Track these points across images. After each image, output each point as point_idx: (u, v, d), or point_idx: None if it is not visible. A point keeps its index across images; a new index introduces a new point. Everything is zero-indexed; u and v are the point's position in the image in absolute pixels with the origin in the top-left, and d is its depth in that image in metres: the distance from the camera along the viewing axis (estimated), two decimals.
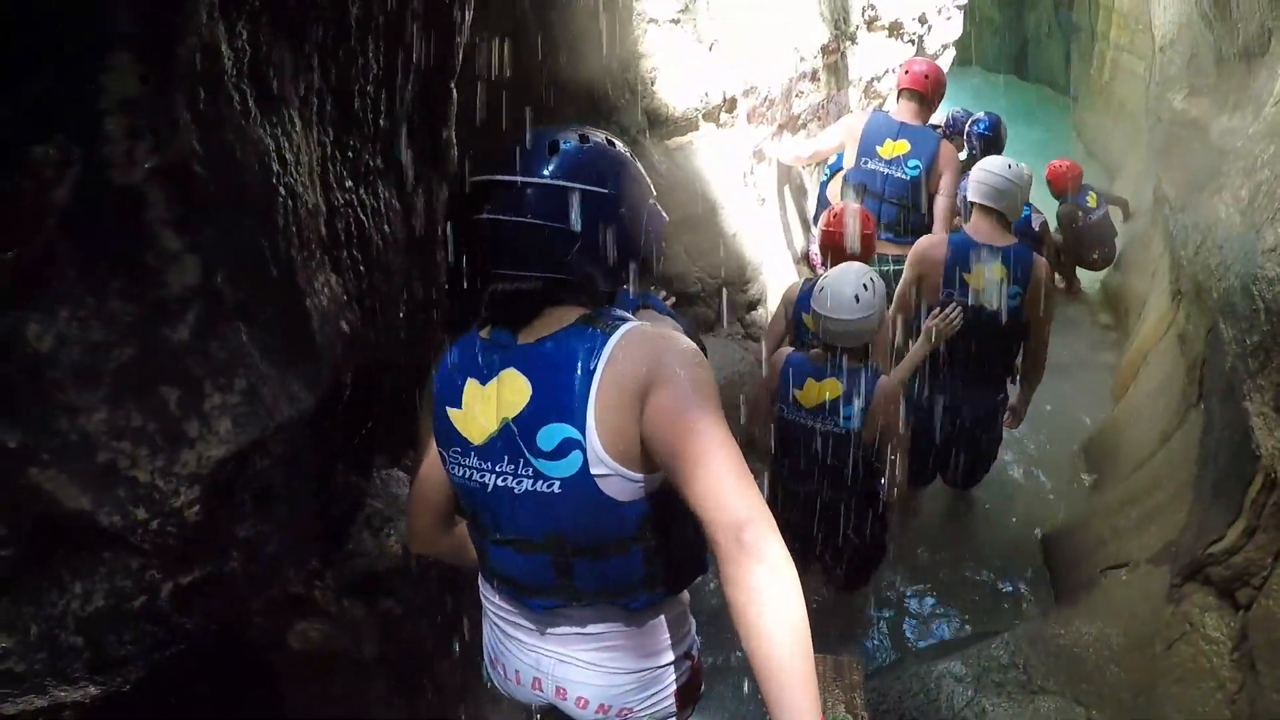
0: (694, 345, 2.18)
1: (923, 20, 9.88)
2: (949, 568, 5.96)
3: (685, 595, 2.61)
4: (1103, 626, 4.53)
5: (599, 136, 2.26)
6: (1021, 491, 6.82)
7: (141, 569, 2.06)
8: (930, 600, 5.73)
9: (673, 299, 4.82)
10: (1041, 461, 7.17)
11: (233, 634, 2.70)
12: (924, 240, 5.53)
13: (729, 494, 1.98)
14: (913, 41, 9.77)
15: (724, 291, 6.72)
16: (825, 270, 4.74)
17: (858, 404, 4.28)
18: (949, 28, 10.40)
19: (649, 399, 2.10)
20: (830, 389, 4.32)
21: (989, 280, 5.13)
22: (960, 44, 11.09)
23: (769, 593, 1.88)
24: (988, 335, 5.22)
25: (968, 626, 5.52)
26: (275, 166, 2.14)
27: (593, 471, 2.18)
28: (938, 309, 4.98)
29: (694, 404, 2.07)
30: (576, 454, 2.18)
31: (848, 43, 8.84)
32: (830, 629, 5.06)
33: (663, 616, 2.55)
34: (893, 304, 5.24)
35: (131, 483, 1.93)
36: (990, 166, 5.28)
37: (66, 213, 1.73)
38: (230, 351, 2.01)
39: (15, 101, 1.61)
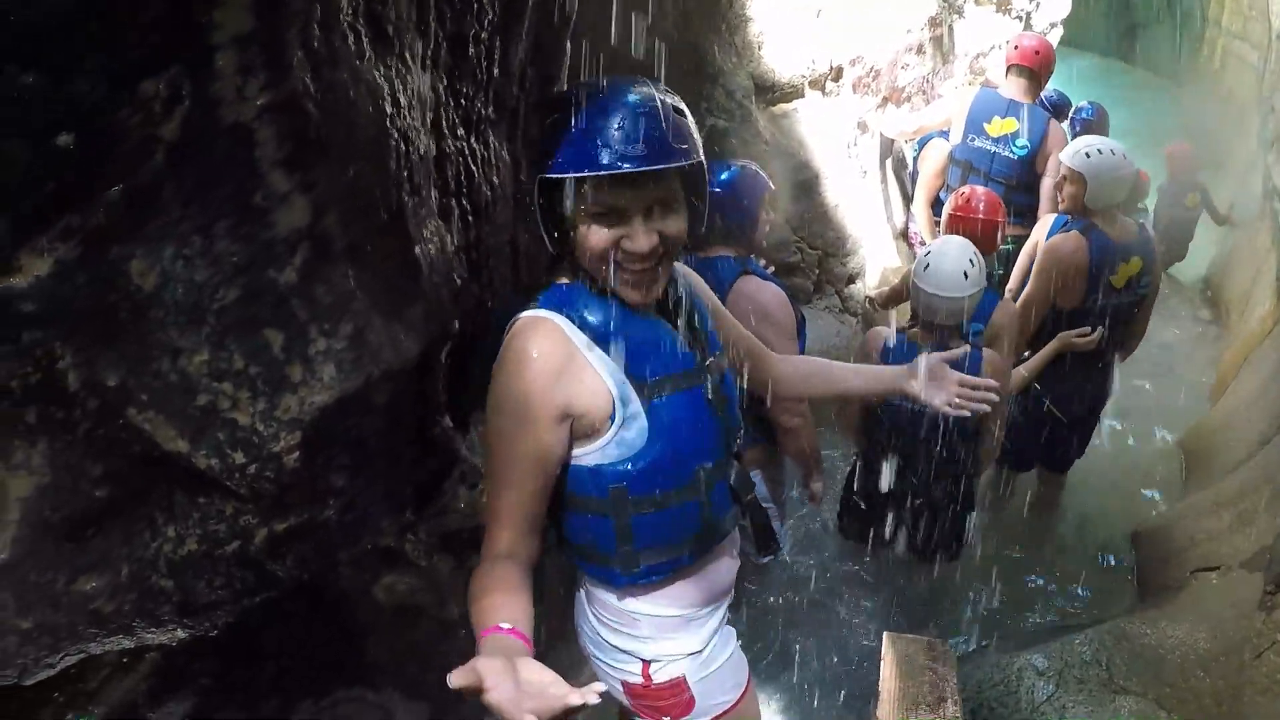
0: (517, 357, 2.17)
1: None
2: (1036, 559, 5.85)
3: (631, 601, 2.56)
4: (1189, 629, 4.39)
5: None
6: (1113, 486, 6.67)
7: (236, 514, 2.06)
8: (1016, 590, 5.62)
9: (772, 268, 4.73)
10: (1135, 457, 7.01)
11: (317, 583, 2.70)
12: (1062, 244, 5.01)
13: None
14: (1020, 18, 9.58)
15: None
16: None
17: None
18: (1057, 6, 10.18)
19: None
20: None
21: (1130, 277, 4.96)
22: (1067, 24, 10.83)
23: None
24: (1117, 327, 5.07)
25: (1052, 619, 5.42)
26: (388, 109, 2.09)
27: None
28: (1085, 330, 4.86)
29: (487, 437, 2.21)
30: None
31: (955, 16, 8.70)
32: (915, 610, 4.99)
33: (584, 584, 2.65)
34: (1025, 302, 5.07)
35: (231, 426, 1.92)
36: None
37: (175, 149, 1.68)
38: (337, 296, 1.98)
39: (126, 35, 1.57)
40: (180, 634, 2.20)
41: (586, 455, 2.26)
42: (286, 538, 2.15)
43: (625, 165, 2.01)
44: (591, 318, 2.21)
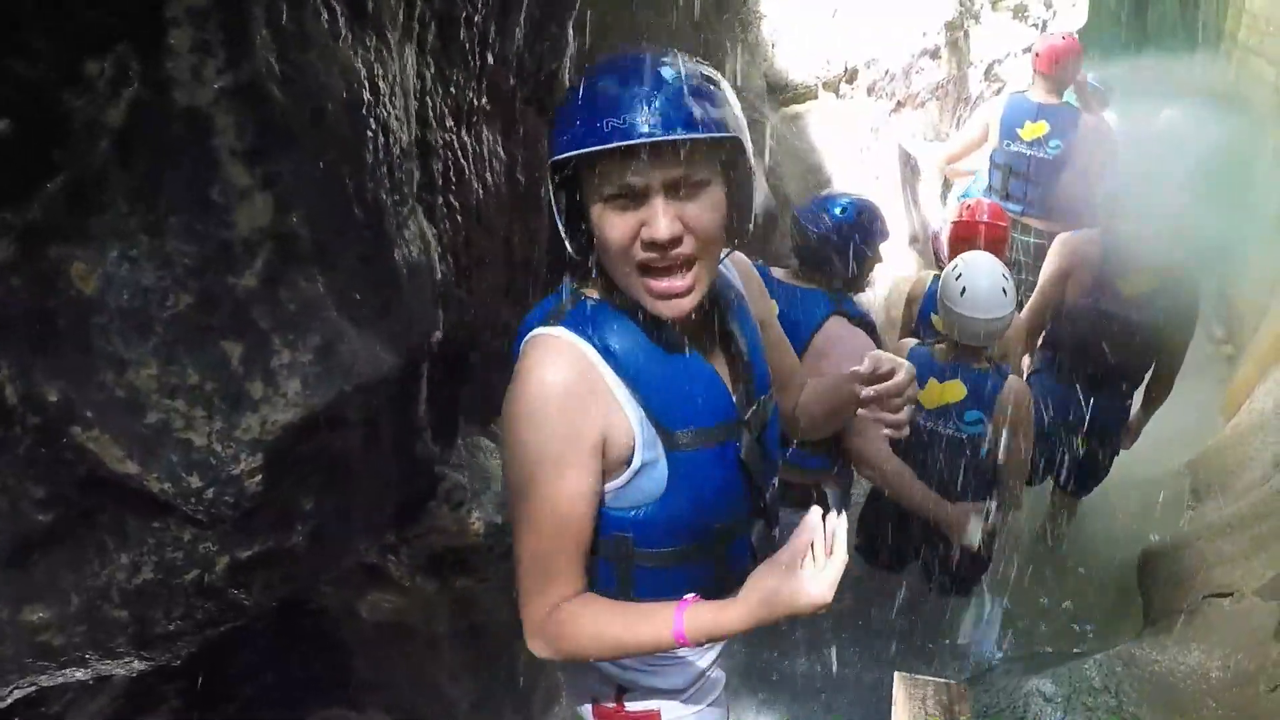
0: (535, 383, 1.86)
1: (1048, 4, 9.79)
2: (1044, 581, 5.76)
3: None
4: (1201, 657, 4.28)
5: None
6: (1122, 507, 6.59)
7: (194, 541, 1.96)
8: (1023, 613, 5.54)
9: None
10: (1144, 478, 6.89)
11: (298, 602, 2.64)
12: (1078, 236, 5.06)
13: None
14: (1037, 25, 9.67)
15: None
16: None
17: (983, 408, 3.99)
18: (1073, 15, 10.29)
19: None
20: (953, 391, 4.04)
21: (1144, 293, 4.82)
22: (1083, 34, 10.82)
23: None
24: (1128, 343, 4.94)
25: (1060, 643, 5.37)
26: (366, 95, 1.99)
27: None
28: None
29: (511, 477, 1.93)
30: None
31: (971, 21, 8.74)
32: (922, 637, 4.87)
33: None
34: (1036, 296, 4.96)
35: (185, 447, 1.81)
36: None
37: (121, 136, 1.62)
38: (303, 303, 1.87)
39: (69, 10, 1.50)
40: (138, 665, 2.11)
41: None
42: (251, 565, 2.04)
43: (639, 135, 1.69)
44: (617, 345, 1.92)
